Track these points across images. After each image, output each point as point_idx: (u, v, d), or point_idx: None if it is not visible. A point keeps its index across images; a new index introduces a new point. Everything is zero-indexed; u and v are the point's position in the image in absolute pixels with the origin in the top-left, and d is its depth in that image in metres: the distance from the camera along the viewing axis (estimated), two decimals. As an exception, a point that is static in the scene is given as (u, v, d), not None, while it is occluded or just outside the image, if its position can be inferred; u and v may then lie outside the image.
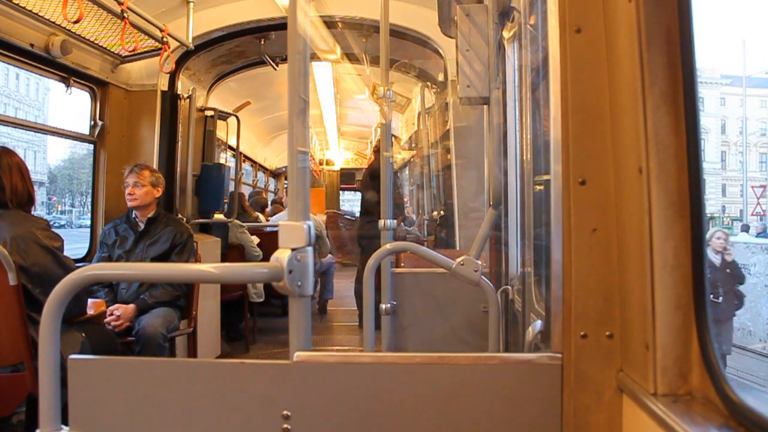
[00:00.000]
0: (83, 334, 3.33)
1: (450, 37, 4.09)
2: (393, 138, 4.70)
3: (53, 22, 4.03)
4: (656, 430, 1.06)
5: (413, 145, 9.52)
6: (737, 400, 0.98)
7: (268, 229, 8.23)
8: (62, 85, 4.69)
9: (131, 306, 4.13)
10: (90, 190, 5.31)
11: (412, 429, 1.36)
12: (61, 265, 3.17)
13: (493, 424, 1.35)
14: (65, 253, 3.30)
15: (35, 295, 3.05)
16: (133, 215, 4.47)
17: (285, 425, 1.34)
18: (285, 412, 1.34)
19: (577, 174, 1.30)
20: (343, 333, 7.82)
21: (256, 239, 7.12)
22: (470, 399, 1.35)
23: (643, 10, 1.11)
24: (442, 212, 7.13)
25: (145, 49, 4.81)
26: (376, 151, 8.05)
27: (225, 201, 6.50)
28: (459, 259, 2.52)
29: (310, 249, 1.34)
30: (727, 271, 8.30)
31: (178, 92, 5.56)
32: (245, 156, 10.92)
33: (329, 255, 8.94)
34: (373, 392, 1.36)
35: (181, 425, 1.39)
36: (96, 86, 5.02)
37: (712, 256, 7.99)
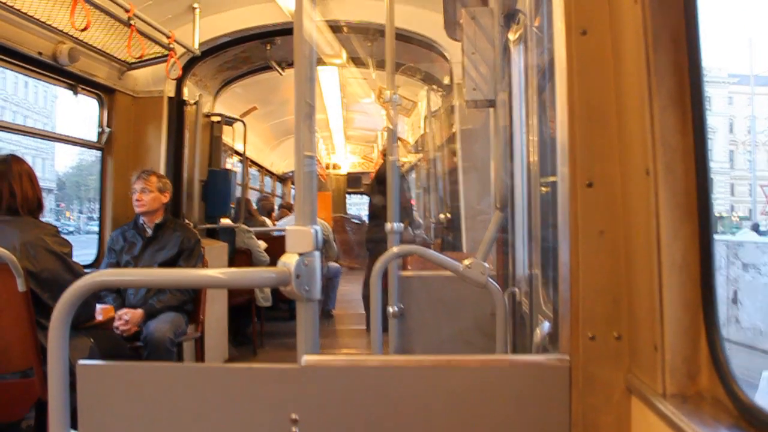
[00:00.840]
0: (92, 340, 3.35)
1: (455, 40, 4.09)
2: (399, 141, 4.71)
3: (61, 31, 4.06)
4: (666, 431, 1.05)
5: (419, 148, 9.53)
6: (747, 400, 0.98)
7: (276, 233, 8.24)
8: (70, 93, 4.72)
9: (139, 311, 4.14)
10: (98, 197, 5.33)
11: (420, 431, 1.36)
12: (71, 271, 3.18)
13: (501, 426, 1.35)
14: (74, 259, 3.31)
15: (44, 301, 3.07)
16: (141, 221, 4.48)
17: (293, 429, 1.34)
18: (293, 416, 1.34)
19: (584, 176, 1.30)
20: (350, 336, 7.82)
21: (263, 244, 7.14)
22: (478, 401, 1.35)
23: (649, 11, 1.11)
24: (448, 215, 7.12)
25: (152, 56, 4.83)
26: (383, 155, 8.06)
27: (232, 206, 6.52)
28: (466, 262, 2.52)
29: (317, 253, 1.35)
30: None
31: (185, 98, 5.58)
32: (252, 161, 10.95)
33: (337, 264, 8.93)
34: (381, 395, 1.36)
35: (190, 430, 1.39)
36: (103, 93, 5.05)
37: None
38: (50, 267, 3.11)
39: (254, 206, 8.74)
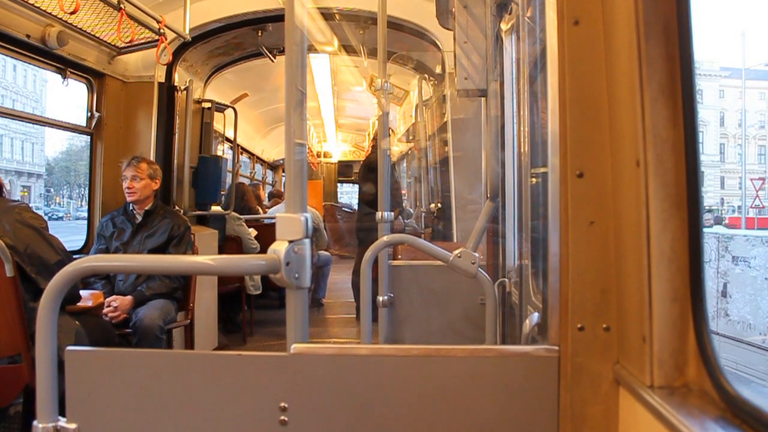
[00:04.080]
0: (77, 322, 3.34)
1: (448, 29, 4.07)
2: (389, 131, 4.71)
3: (50, 13, 4.01)
4: (653, 422, 1.06)
5: (411, 137, 9.51)
6: (733, 392, 0.98)
7: (266, 221, 8.23)
8: (59, 77, 4.67)
9: (128, 297, 4.13)
10: (87, 182, 5.30)
11: (408, 421, 1.37)
12: (50, 244, 3.18)
13: (489, 416, 1.35)
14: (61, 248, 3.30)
15: (27, 274, 3.05)
16: (131, 207, 4.47)
17: (282, 417, 1.34)
18: (282, 404, 1.34)
19: (575, 166, 1.30)
20: (340, 325, 7.83)
21: (253, 231, 7.13)
22: (467, 391, 1.35)
23: (641, 2, 1.11)
24: (439, 205, 7.13)
25: (142, 41, 4.79)
26: (374, 142, 8.05)
27: (222, 193, 6.50)
28: (456, 252, 2.52)
29: (307, 241, 1.34)
30: None
31: (175, 84, 5.55)
32: (243, 148, 10.91)
33: (327, 253, 8.92)
34: (369, 384, 1.37)
35: (178, 417, 1.39)
36: (93, 77, 5.00)
37: None
38: (28, 241, 3.10)
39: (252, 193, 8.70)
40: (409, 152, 10.66)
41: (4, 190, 3.31)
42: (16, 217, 3.12)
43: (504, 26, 2.94)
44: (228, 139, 8.00)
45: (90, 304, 3.63)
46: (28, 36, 3.98)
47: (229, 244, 6.60)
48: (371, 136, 11.92)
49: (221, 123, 7.34)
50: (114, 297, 4.11)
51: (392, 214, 3.33)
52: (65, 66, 4.63)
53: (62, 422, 1.34)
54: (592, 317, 1.29)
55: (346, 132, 16.77)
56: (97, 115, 5.06)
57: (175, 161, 5.62)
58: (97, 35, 4.60)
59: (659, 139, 1.10)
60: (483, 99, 3.27)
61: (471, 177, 5.09)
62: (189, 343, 4.67)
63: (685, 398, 1.07)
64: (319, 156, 17.19)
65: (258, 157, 12.93)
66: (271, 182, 15.07)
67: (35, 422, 1.33)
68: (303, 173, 1.39)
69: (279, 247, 1.31)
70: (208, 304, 5.75)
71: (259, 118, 11.34)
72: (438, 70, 6.25)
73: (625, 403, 1.24)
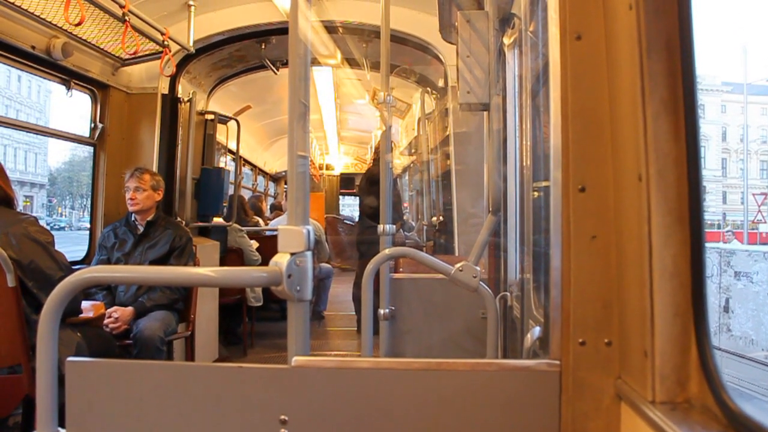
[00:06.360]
0: (78, 334, 3.33)
1: (450, 43, 4.09)
2: (391, 144, 4.73)
3: (55, 25, 4.04)
4: (654, 437, 1.06)
5: (413, 150, 9.52)
6: (736, 408, 0.98)
7: (267, 233, 8.23)
8: (63, 88, 4.69)
9: (129, 309, 4.12)
10: (90, 193, 5.31)
11: (409, 435, 1.36)
12: (54, 260, 3.17)
13: (490, 430, 1.35)
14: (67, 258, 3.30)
15: (29, 289, 3.05)
16: (133, 218, 4.47)
17: (282, 430, 1.34)
18: (282, 417, 1.34)
19: (577, 181, 1.30)
20: (341, 338, 7.81)
21: (255, 243, 7.12)
22: (468, 405, 1.35)
23: (643, 17, 1.11)
24: (441, 218, 7.13)
25: (146, 53, 4.81)
26: (376, 155, 8.06)
27: (224, 205, 6.50)
28: (458, 265, 2.52)
29: (309, 254, 1.34)
30: None
31: (179, 95, 5.56)
32: (245, 160, 10.93)
33: (329, 265, 8.91)
34: (370, 397, 1.36)
35: (178, 429, 1.38)
36: (97, 89, 5.02)
37: None
38: (33, 256, 3.10)
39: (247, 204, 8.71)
40: (411, 165, 10.68)
41: (14, 203, 3.30)
42: (22, 230, 3.11)
43: (506, 41, 2.95)
44: (230, 151, 8.01)
45: (91, 315, 3.62)
46: (33, 47, 4.00)
47: (231, 255, 6.60)
48: (373, 149, 11.94)
49: (224, 135, 7.36)
50: (115, 308, 4.10)
51: (394, 227, 3.33)
52: (69, 77, 4.65)
53: (62, 433, 1.34)
54: (594, 332, 1.29)
55: (348, 145, 16.80)
56: (100, 126, 5.08)
57: (178, 173, 5.63)
58: (102, 47, 4.63)
59: (661, 154, 1.10)
60: (485, 113, 3.28)
61: (473, 190, 5.09)
62: (189, 355, 4.65)
63: (687, 414, 1.07)
64: (321, 168, 17.22)
65: (260, 169, 12.95)
66: (273, 194, 15.09)
67: (34, 433, 1.33)
68: (305, 185, 1.39)
69: (281, 260, 1.31)
70: (209, 315, 5.74)
71: (262, 131, 11.36)
72: (440, 83, 6.27)
73: (627, 419, 1.24)
